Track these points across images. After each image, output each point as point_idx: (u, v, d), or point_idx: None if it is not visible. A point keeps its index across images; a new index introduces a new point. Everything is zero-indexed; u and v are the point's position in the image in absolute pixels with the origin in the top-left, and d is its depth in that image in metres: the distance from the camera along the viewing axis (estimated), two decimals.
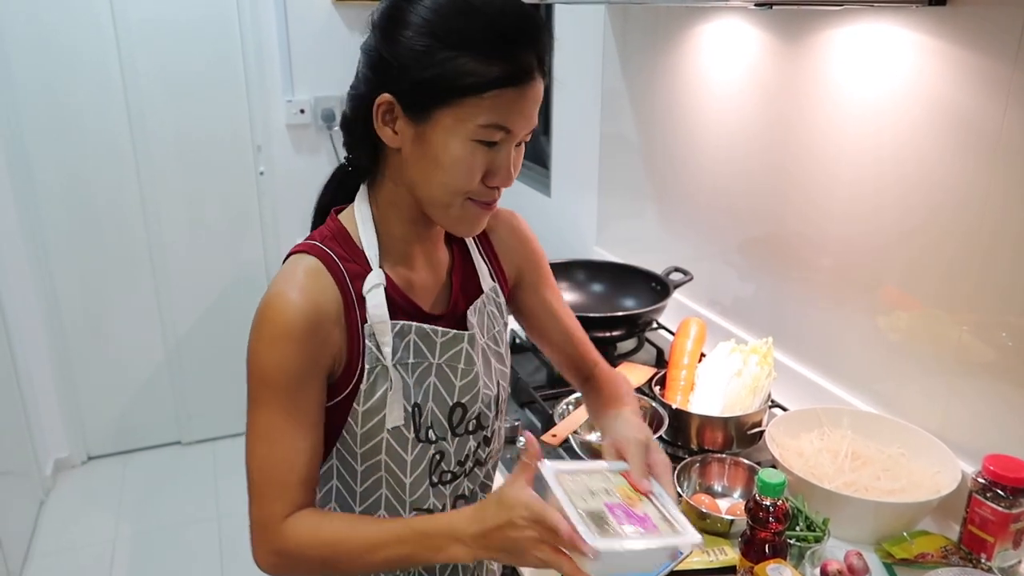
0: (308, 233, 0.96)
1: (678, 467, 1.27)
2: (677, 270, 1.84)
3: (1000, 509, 1.09)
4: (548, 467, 0.85)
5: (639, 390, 1.50)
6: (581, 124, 2.34)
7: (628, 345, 1.81)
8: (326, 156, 3.04)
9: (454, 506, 1.01)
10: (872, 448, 1.31)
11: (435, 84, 0.81)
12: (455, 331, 0.96)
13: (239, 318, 3.12)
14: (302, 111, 2.96)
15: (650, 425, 1.40)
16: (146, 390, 3.09)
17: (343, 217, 0.94)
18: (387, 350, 0.90)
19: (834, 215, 1.45)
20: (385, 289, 0.91)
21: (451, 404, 0.97)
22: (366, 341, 0.90)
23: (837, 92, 1.40)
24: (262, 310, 0.86)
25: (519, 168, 0.90)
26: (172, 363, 3.08)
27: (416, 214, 0.93)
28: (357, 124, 0.89)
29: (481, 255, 1.04)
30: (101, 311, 2.95)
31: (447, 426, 0.97)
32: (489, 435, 1.02)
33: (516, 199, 2.85)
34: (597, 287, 1.97)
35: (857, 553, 1.07)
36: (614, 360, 1.70)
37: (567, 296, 1.95)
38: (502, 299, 1.06)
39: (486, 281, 1.03)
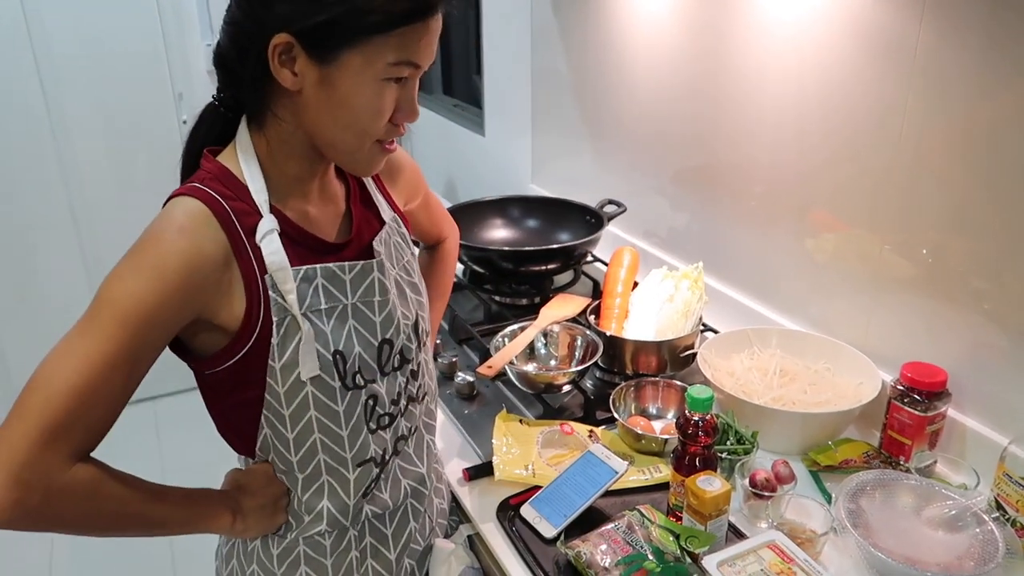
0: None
1: (613, 392, 1.29)
2: (611, 202, 1.84)
3: (916, 413, 1.14)
4: (709, 560, 0.94)
5: (575, 320, 1.51)
6: (512, 62, 2.31)
7: (564, 278, 1.82)
8: None
9: (396, 450, 0.99)
10: (799, 364, 1.35)
11: (341, 23, 0.77)
12: (363, 261, 0.92)
13: None
14: None
15: (584, 352, 1.41)
16: None
17: (222, 158, 0.87)
18: (292, 298, 0.84)
19: (762, 141, 1.46)
20: (282, 229, 0.85)
21: (377, 343, 0.94)
22: (270, 292, 0.84)
23: (761, 15, 1.40)
24: (136, 245, 0.79)
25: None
26: None
27: (311, 153, 0.88)
28: (244, 63, 0.81)
29: (376, 187, 1.02)
30: (24, 277, 2.83)
31: (375, 367, 0.94)
32: (415, 368, 1.00)
33: (451, 141, 2.80)
34: (532, 222, 1.96)
35: (784, 462, 1.10)
36: (550, 293, 1.70)
37: (502, 233, 1.95)
38: (404, 229, 1.03)
39: (386, 212, 1.00)
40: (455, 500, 1.18)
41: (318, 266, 0.88)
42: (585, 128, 2.02)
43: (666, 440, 1.20)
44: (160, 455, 2.80)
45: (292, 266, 0.85)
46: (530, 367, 1.41)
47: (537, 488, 1.13)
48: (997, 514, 1.00)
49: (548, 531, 1.07)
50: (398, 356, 0.97)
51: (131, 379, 0.79)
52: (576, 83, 2.02)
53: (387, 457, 0.98)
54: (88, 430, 0.77)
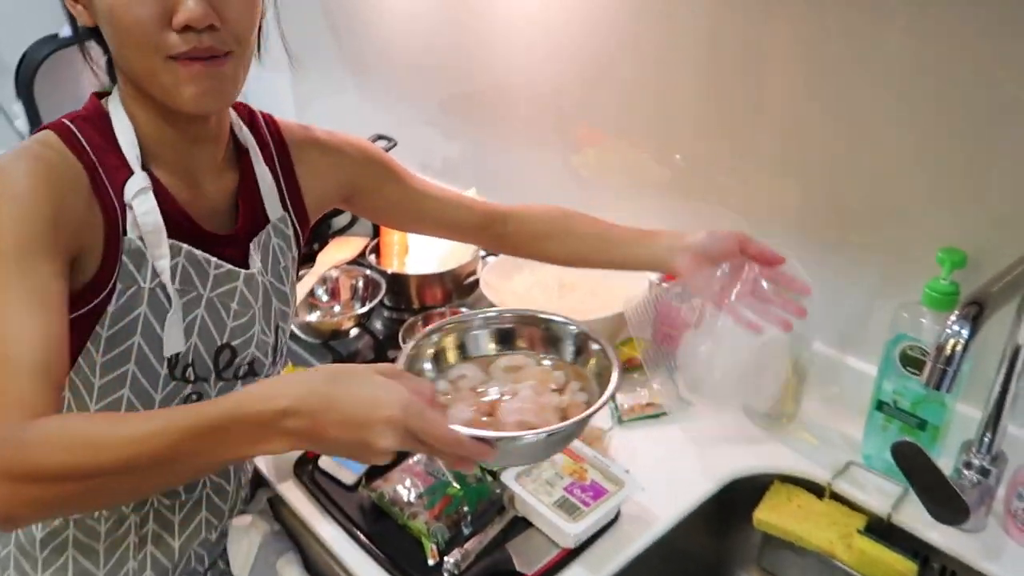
0: None
1: (403, 328, 1.27)
2: (381, 137, 1.78)
3: (676, 304, 1.22)
4: (507, 475, 0.94)
5: (354, 262, 1.47)
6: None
7: (342, 221, 1.75)
8: None
9: None
10: (577, 275, 1.40)
11: None
12: (231, 267, 0.85)
13: None
14: None
15: (367, 293, 1.38)
16: None
17: (108, 103, 0.80)
18: (163, 264, 0.78)
19: (516, 64, 1.47)
20: (157, 197, 0.78)
21: (219, 344, 0.85)
22: (123, 256, 0.76)
23: None
24: None
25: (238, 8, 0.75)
26: None
27: (157, 106, 0.78)
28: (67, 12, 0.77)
29: (276, 181, 0.92)
30: None
31: (211, 367, 0.86)
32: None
33: None
34: None
35: None
36: (328, 237, 1.64)
37: None
38: (291, 231, 0.95)
39: (274, 210, 0.91)
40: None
41: (184, 245, 0.80)
42: (346, 65, 1.94)
43: None
44: None
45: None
46: (313, 316, 1.35)
47: None
48: None
49: (348, 478, 1.04)
50: (246, 367, 0.90)
51: (41, 312, 0.67)
52: (330, 20, 1.92)
53: None
54: (33, 375, 0.64)
